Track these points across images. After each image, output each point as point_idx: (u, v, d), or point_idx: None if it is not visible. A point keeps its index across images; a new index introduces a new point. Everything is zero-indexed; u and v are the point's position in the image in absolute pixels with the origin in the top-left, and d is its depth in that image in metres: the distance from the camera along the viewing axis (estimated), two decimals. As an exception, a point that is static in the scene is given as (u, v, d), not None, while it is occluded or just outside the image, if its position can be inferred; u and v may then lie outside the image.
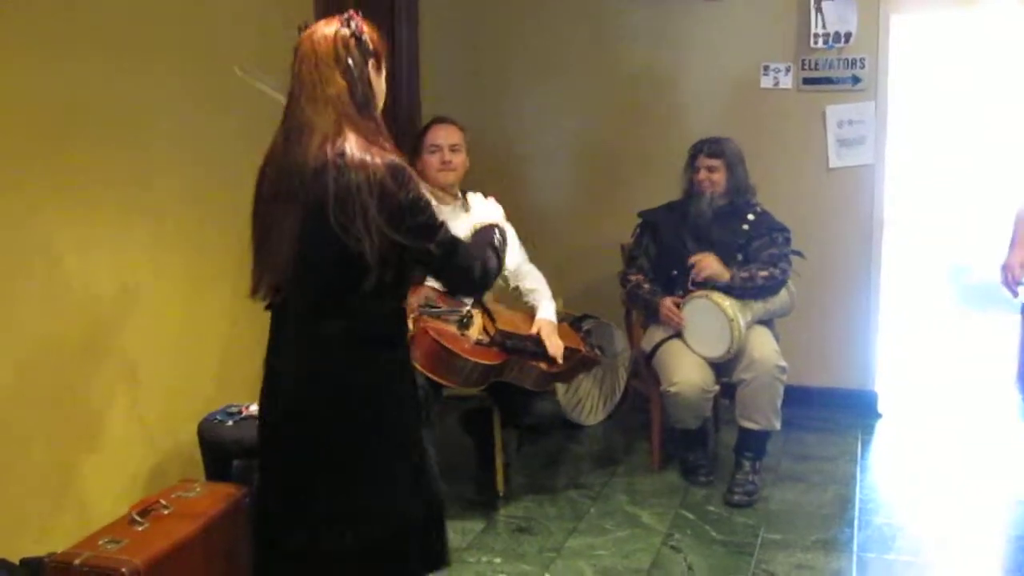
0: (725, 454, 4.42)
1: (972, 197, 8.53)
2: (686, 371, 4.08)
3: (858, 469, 4.45)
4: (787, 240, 4.33)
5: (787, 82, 5.01)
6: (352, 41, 2.26)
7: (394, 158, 2.20)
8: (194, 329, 3.64)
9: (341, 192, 2.13)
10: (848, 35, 4.86)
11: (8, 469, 2.86)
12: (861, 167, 5.00)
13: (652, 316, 4.39)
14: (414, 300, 3.58)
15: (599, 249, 5.11)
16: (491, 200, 2.81)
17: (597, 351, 4.36)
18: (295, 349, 2.32)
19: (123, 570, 2.60)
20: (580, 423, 5.00)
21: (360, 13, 2.33)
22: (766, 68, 5.03)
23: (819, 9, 4.87)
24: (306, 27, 2.32)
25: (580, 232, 5.34)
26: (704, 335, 4.14)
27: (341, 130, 2.18)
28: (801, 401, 4.84)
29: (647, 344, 4.38)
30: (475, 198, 2.81)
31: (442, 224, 2.31)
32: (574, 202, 5.42)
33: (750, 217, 4.32)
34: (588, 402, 5.03)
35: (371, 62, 2.30)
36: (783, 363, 4.09)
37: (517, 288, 4.12)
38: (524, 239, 4.20)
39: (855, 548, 3.65)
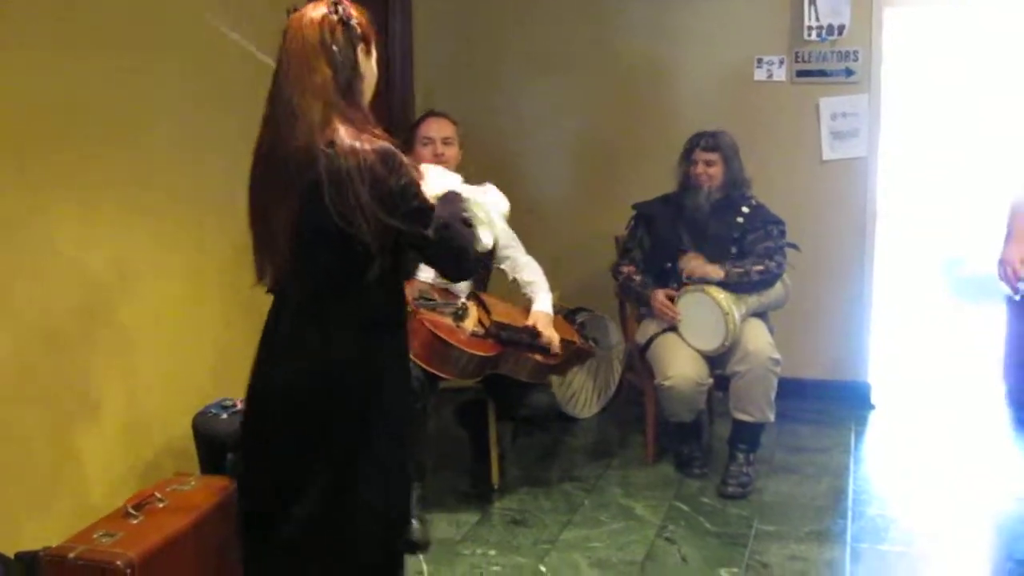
0: (719, 446, 4.43)
1: (965, 190, 8.55)
2: (680, 364, 4.09)
3: (851, 461, 4.47)
4: (782, 233, 4.33)
5: (781, 75, 5.02)
6: (339, 27, 2.23)
7: (384, 144, 2.18)
8: (189, 324, 3.64)
9: (334, 180, 2.11)
10: (841, 28, 4.86)
11: (3, 463, 2.86)
12: (854, 159, 5.01)
13: (644, 308, 4.39)
14: (409, 293, 3.58)
15: (593, 242, 5.11)
16: (449, 174, 2.72)
17: (591, 344, 4.37)
18: (295, 335, 2.32)
19: (118, 563, 2.60)
20: (575, 416, 5.01)
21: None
22: (760, 61, 5.03)
23: (812, 2, 4.87)
24: (295, 10, 2.29)
25: (574, 225, 5.34)
26: (699, 328, 4.15)
27: (329, 118, 2.16)
28: (795, 393, 4.85)
29: (641, 337, 4.39)
30: (429, 169, 2.66)
31: (433, 207, 2.29)
32: (568, 195, 5.42)
33: (744, 210, 4.33)
34: (582, 395, 5.04)
35: (360, 47, 2.28)
36: (777, 355, 4.09)
37: (515, 280, 4.12)
38: (519, 232, 4.20)
39: (848, 539, 3.66)
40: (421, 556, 3.50)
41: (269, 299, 2.39)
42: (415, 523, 3.41)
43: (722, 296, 4.06)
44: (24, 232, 2.89)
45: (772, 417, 4.15)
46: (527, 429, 4.78)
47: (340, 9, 2.25)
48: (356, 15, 2.28)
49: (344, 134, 2.15)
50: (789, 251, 4.35)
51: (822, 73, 4.96)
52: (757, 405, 4.09)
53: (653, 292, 4.28)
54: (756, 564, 3.48)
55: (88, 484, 3.16)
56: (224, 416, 3.34)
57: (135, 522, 2.81)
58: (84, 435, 3.15)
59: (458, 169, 3.95)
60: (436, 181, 2.49)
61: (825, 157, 5.03)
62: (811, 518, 3.85)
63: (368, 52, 2.32)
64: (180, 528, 2.82)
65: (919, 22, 6.70)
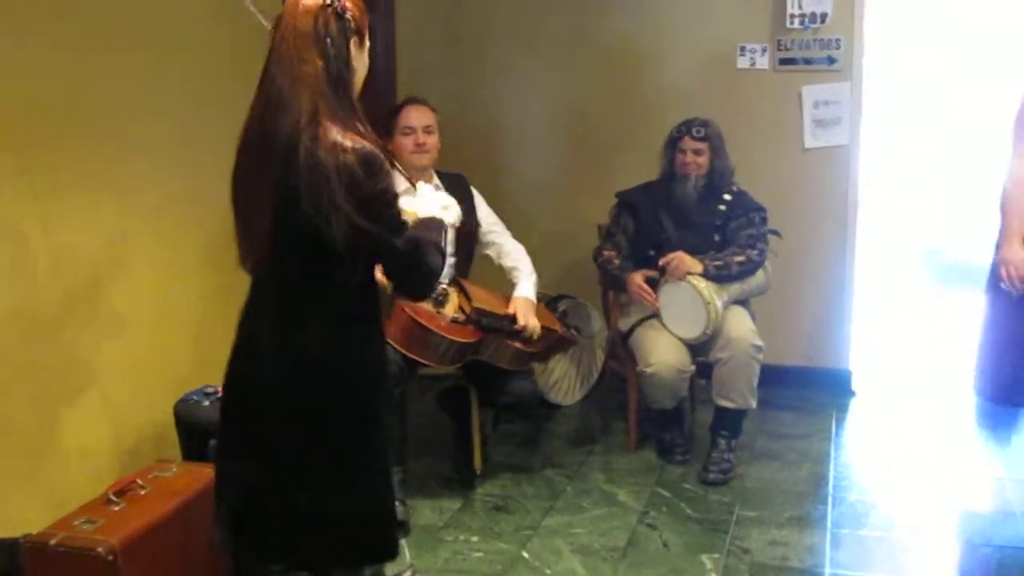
0: (701, 433, 4.45)
1: (946, 178, 8.59)
2: (662, 352, 4.10)
3: (832, 447, 4.50)
4: (764, 220, 4.34)
5: (763, 63, 5.02)
6: (333, 17, 2.21)
7: (367, 145, 2.16)
8: (169, 310, 3.63)
9: (311, 175, 2.10)
10: (824, 16, 4.87)
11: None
12: (836, 147, 5.02)
13: (620, 291, 4.40)
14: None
15: (576, 230, 5.11)
16: (441, 192, 2.77)
17: (573, 331, 4.37)
18: (272, 321, 2.31)
19: (99, 550, 2.60)
20: (557, 403, 5.01)
21: None
22: (742, 49, 5.03)
23: (795, -11, 4.89)
24: None
25: (557, 213, 5.34)
26: (681, 316, 4.15)
27: (316, 110, 2.14)
28: (776, 380, 4.87)
29: (624, 324, 4.40)
30: (423, 187, 2.71)
31: (405, 223, 2.29)
32: (551, 182, 5.42)
33: (726, 197, 4.33)
34: (565, 382, 5.04)
35: (353, 40, 2.26)
36: (759, 342, 4.11)
37: (501, 266, 4.12)
38: (502, 220, 4.20)
39: (829, 524, 3.69)
40: (403, 540, 3.51)
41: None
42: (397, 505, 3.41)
43: (703, 285, 4.07)
44: (4, 217, 2.87)
45: (754, 404, 4.17)
46: (509, 416, 4.78)
47: (335, 0, 2.23)
48: (351, 6, 2.26)
49: (329, 129, 2.13)
50: (771, 238, 4.37)
51: (804, 61, 4.97)
52: (739, 392, 4.11)
53: (630, 275, 4.28)
54: (737, 549, 3.50)
55: (69, 471, 3.15)
56: (206, 403, 3.34)
57: (117, 509, 2.81)
58: (66, 422, 3.15)
59: (441, 155, 3.99)
60: (427, 202, 2.52)
61: (807, 145, 5.04)
62: (792, 504, 3.87)
63: (361, 45, 2.30)
64: (162, 515, 2.83)
65: (901, 10, 6.73)
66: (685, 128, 4.32)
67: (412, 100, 4.00)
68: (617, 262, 4.37)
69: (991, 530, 3.66)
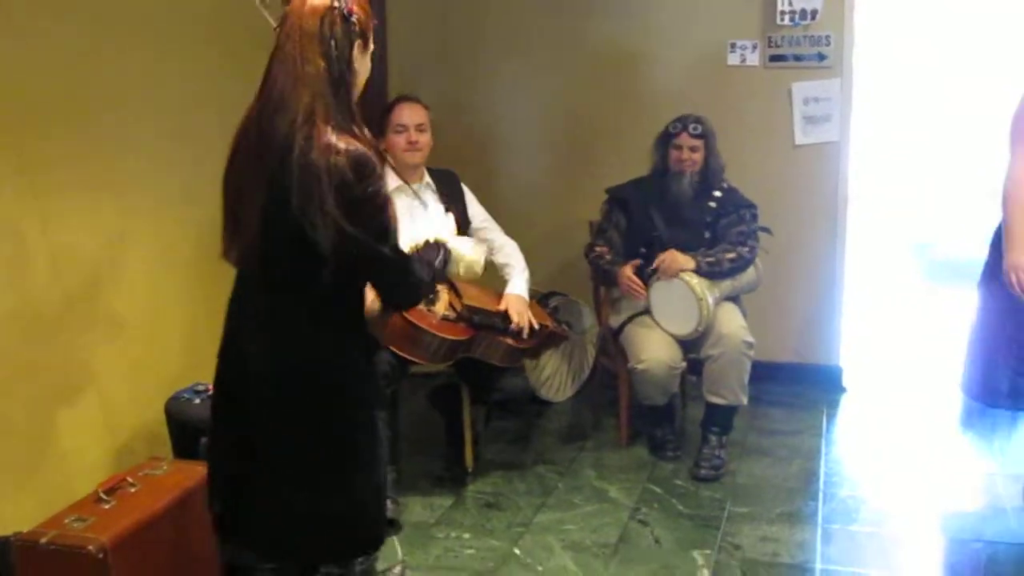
0: (692, 429, 4.46)
1: (936, 173, 8.60)
2: (654, 348, 4.11)
3: (823, 443, 4.50)
4: (754, 216, 4.34)
5: (754, 59, 5.02)
6: (339, 19, 2.21)
7: (361, 148, 2.15)
8: (161, 307, 3.62)
9: (302, 175, 2.10)
10: (814, 12, 4.87)
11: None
12: (827, 144, 5.02)
13: (612, 285, 4.40)
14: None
15: (567, 226, 5.11)
16: (450, 216, 2.81)
17: (565, 327, 4.38)
18: (256, 320, 2.32)
19: (90, 548, 2.60)
20: (548, 399, 5.02)
21: None
22: (733, 45, 5.04)
23: (785, -14, 4.89)
24: None
25: (548, 209, 5.34)
26: (672, 313, 4.16)
27: (313, 111, 2.14)
28: (767, 376, 4.89)
29: (614, 321, 4.40)
30: (436, 206, 2.76)
31: (396, 231, 2.28)
32: (542, 179, 5.42)
33: (717, 194, 4.33)
34: (556, 379, 5.05)
35: (357, 43, 2.25)
36: (750, 339, 4.11)
37: (493, 262, 4.12)
38: (493, 217, 4.20)
39: (820, 520, 3.70)
40: (395, 537, 3.51)
41: (241, 283, 2.40)
42: (388, 503, 3.42)
43: (695, 281, 4.07)
44: (3, 217, 2.87)
45: (745, 400, 4.17)
46: (501, 413, 4.79)
47: (343, 2, 2.22)
48: (357, 10, 2.25)
49: (324, 130, 2.13)
50: (762, 235, 4.37)
51: (795, 58, 4.97)
52: (730, 388, 4.12)
53: (620, 268, 4.28)
54: (728, 545, 3.51)
55: (59, 469, 3.14)
56: (197, 400, 3.34)
57: (107, 507, 2.81)
58: (54, 419, 3.14)
59: (431, 153, 3.98)
60: (437, 222, 2.57)
61: (798, 142, 5.05)
62: (783, 500, 3.88)
63: (364, 49, 2.30)
64: (152, 512, 2.82)
65: (891, 6, 6.73)
66: (681, 124, 4.30)
67: (405, 98, 3.98)
68: (608, 257, 4.37)
69: (981, 525, 3.67)
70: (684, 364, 4.19)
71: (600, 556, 3.44)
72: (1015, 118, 3.43)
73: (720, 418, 4.20)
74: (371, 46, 2.33)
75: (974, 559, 3.43)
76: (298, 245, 2.16)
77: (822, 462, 4.27)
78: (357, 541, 2.48)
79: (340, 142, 2.13)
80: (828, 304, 5.18)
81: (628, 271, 4.23)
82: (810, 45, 4.93)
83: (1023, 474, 3.93)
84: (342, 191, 2.11)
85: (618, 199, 4.46)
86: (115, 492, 2.88)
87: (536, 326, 3.91)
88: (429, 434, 4.40)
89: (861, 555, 3.46)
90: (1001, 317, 3.53)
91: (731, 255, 4.20)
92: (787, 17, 4.90)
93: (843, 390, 5.21)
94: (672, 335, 4.16)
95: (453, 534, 3.62)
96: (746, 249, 4.23)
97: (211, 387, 3.30)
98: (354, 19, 2.24)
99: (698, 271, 4.12)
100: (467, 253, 2.76)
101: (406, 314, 3.51)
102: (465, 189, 4.15)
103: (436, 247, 2.60)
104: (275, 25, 2.28)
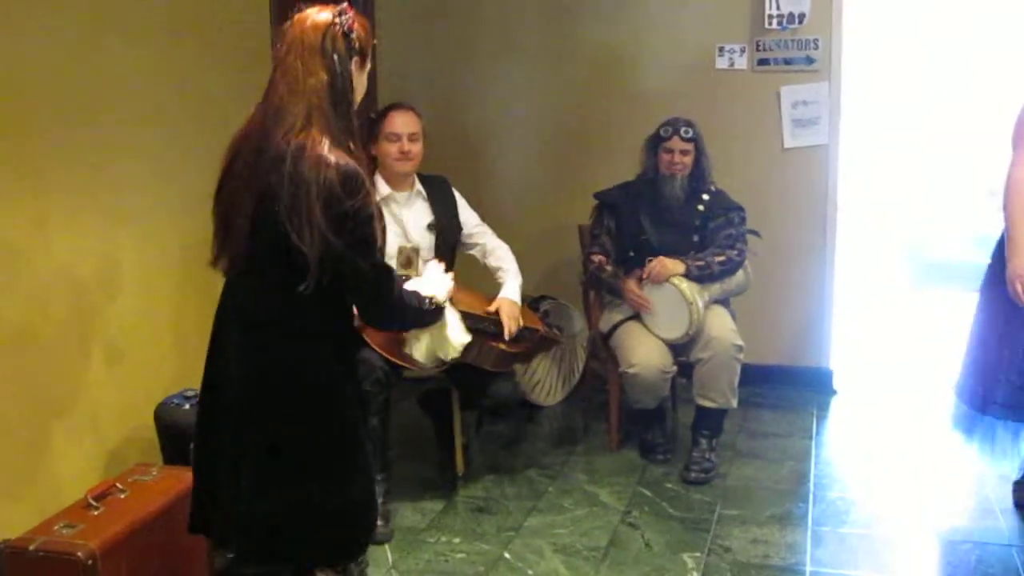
0: (683, 432, 4.47)
1: (926, 176, 8.64)
2: (644, 352, 4.11)
3: (813, 445, 4.51)
4: (743, 219, 4.35)
5: (742, 63, 5.04)
6: (340, 36, 2.27)
7: (351, 163, 2.20)
8: (150, 313, 3.62)
9: (291, 186, 2.15)
10: (802, 16, 4.89)
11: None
12: (816, 147, 5.04)
13: (614, 296, 4.39)
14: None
15: (557, 230, 5.13)
16: (448, 277, 2.87)
17: (556, 332, 4.38)
18: (240, 321, 2.34)
19: (79, 554, 2.60)
20: (539, 404, 5.02)
21: (351, 6, 2.36)
22: (721, 49, 5.05)
23: (773, -10, 4.91)
24: (299, 9, 2.33)
25: (537, 213, 5.34)
26: (663, 317, 4.16)
27: (310, 123, 2.20)
28: (757, 379, 4.90)
29: (604, 325, 4.40)
30: (433, 266, 2.86)
31: (380, 248, 2.32)
32: (531, 183, 5.42)
33: (705, 197, 4.34)
34: (547, 383, 5.05)
35: (355, 59, 2.32)
36: (740, 342, 4.12)
37: (487, 266, 4.12)
38: (485, 222, 4.20)
39: (810, 522, 3.70)
40: (386, 545, 3.51)
41: (230, 290, 2.42)
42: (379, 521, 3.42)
43: (685, 285, 4.08)
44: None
45: (735, 403, 4.18)
46: (491, 417, 4.79)
47: (344, 19, 2.29)
48: (357, 27, 2.33)
49: (318, 142, 2.17)
50: (751, 238, 4.38)
51: (783, 61, 4.99)
52: (720, 391, 4.12)
53: (624, 281, 4.28)
54: (719, 548, 3.51)
55: (49, 475, 3.14)
56: (186, 406, 3.34)
57: (96, 513, 2.81)
58: (43, 426, 3.13)
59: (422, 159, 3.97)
60: (429, 280, 2.64)
61: (787, 145, 5.06)
62: (773, 502, 3.88)
63: (362, 66, 2.37)
64: (142, 518, 2.82)
65: (879, 10, 6.75)
66: (673, 128, 4.29)
67: (399, 106, 3.91)
68: (609, 268, 4.35)
69: (971, 527, 3.69)
70: (675, 368, 4.19)
71: (591, 560, 3.44)
72: (1018, 122, 3.42)
73: (710, 421, 4.20)
74: (368, 65, 2.39)
75: (964, 560, 3.43)
76: (283, 251, 2.19)
77: (812, 464, 4.28)
78: (344, 544, 2.49)
79: (332, 156, 2.17)
80: (818, 307, 5.19)
81: (632, 285, 4.23)
82: (798, 48, 4.95)
83: (1012, 475, 3.94)
84: (330, 204, 2.15)
85: (607, 203, 4.46)
86: (104, 498, 2.88)
87: (525, 329, 3.91)
88: (419, 439, 4.39)
89: (851, 557, 3.46)
90: (1001, 324, 3.51)
91: (720, 258, 4.20)
92: (775, 21, 4.92)
93: (833, 392, 5.22)
94: (662, 339, 4.17)
95: (444, 538, 3.62)
96: (735, 252, 4.24)
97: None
98: (354, 36, 2.31)
99: (688, 275, 4.12)
100: (453, 336, 2.93)
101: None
102: (457, 195, 4.13)
103: (424, 298, 2.64)
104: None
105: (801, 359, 5.26)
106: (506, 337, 3.81)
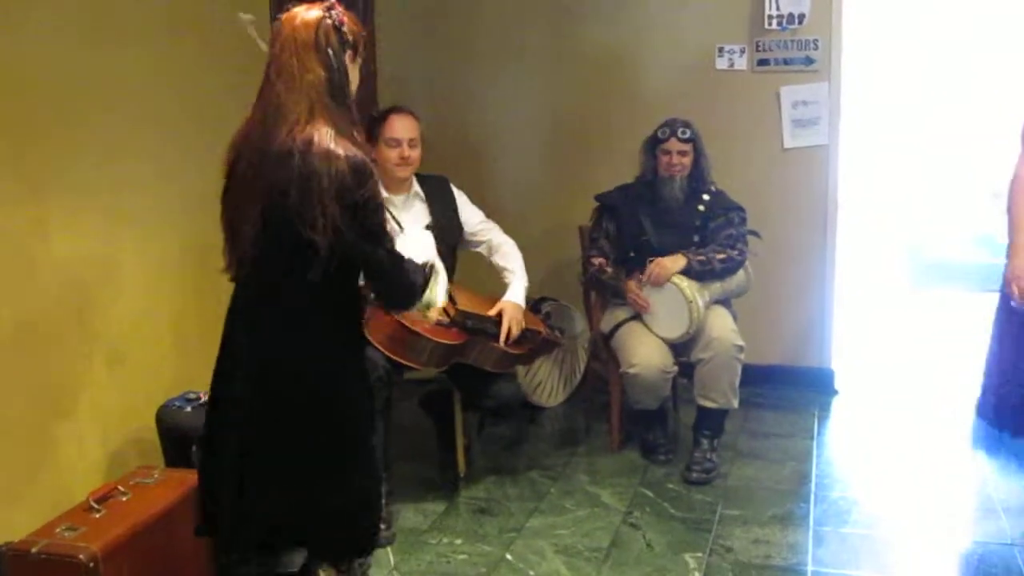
0: (684, 433, 4.47)
1: (927, 176, 8.63)
2: (645, 352, 4.11)
3: (815, 446, 4.51)
4: (743, 220, 4.35)
5: (742, 63, 5.04)
6: (332, 30, 2.30)
7: (359, 154, 2.23)
8: (151, 314, 3.62)
9: (302, 179, 2.17)
10: (802, 16, 4.88)
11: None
12: (816, 147, 5.03)
13: (616, 297, 4.39)
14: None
15: (557, 231, 5.12)
16: (428, 233, 2.88)
17: (558, 333, 4.38)
18: (253, 326, 2.34)
19: (80, 557, 2.60)
20: (540, 405, 5.02)
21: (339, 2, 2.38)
22: (721, 50, 5.05)
23: (773, -9, 4.91)
24: (286, 10, 2.35)
25: (538, 215, 5.33)
26: (663, 317, 4.16)
27: (313, 117, 2.22)
28: (759, 379, 4.90)
29: (605, 325, 4.40)
30: (413, 227, 2.86)
31: (390, 233, 2.35)
32: (531, 185, 5.42)
33: (705, 197, 4.34)
34: (548, 384, 5.05)
35: (348, 52, 2.35)
36: (741, 342, 4.12)
37: (493, 263, 4.12)
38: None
39: (811, 522, 3.70)
40: (389, 548, 3.51)
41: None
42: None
43: (685, 284, 4.08)
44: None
45: (736, 403, 4.18)
46: (493, 419, 4.79)
47: (334, 14, 2.32)
48: (348, 21, 2.36)
49: (323, 135, 2.20)
50: (751, 238, 4.38)
51: (783, 62, 4.98)
52: (721, 391, 4.12)
53: (627, 283, 4.28)
54: (720, 548, 3.51)
55: (51, 478, 3.13)
56: (188, 409, 3.34)
57: (98, 516, 2.81)
58: (45, 428, 3.13)
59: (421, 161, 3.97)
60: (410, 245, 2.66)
61: (786, 145, 5.06)
62: (775, 502, 3.88)
63: (355, 59, 2.40)
64: (143, 521, 2.83)
65: (879, 10, 6.76)
66: (670, 129, 4.29)
67: (398, 109, 3.88)
68: (610, 270, 4.35)
69: (973, 526, 3.68)
70: (675, 368, 4.19)
71: (592, 560, 3.44)
72: None
73: (711, 421, 4.20)
74: (360, 57, 2.41)
75: (965, 560, 3.44)
76: (291, 247, 2.21)
77: (814, 464, 4.28)
78: (352, 541, 2.50)
79: (340, 148, 2.20)
80: (819, 307, 5.19)
81: (634, 286, 4.23)
82: (798, 49, 4.94)
83: (1015, 475, 3.94)
84: (342, 195, 2.18)
85: (607, 205, 4.46)
86: (106, 501, 2.88)
87: (527, 331, 3.91)
88: (421, 440, 4.39)
89: (853, 557, 3.46)
90: (1019, 334, 3.46)
91: (721, 256, 4.20)
92: (775, 21, 4.92)
93: (835, 393, 5.22)
94: (663, 339, 4.17)
95: (445, 540, 3.62)
96: (735, 252, 4.24)
97: (203, 395, 3.33)
98: (345, 29, 2.34)
99: (689, 270, 4.12)
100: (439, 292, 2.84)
101: (400, 318, 3.51)
102: (457, 194, 4.11)
103: (423, 264, 2.64)
104: (266, 48, 2.35)
105: (802, 359, 5.25)
106: (501, 341, 3.81)
